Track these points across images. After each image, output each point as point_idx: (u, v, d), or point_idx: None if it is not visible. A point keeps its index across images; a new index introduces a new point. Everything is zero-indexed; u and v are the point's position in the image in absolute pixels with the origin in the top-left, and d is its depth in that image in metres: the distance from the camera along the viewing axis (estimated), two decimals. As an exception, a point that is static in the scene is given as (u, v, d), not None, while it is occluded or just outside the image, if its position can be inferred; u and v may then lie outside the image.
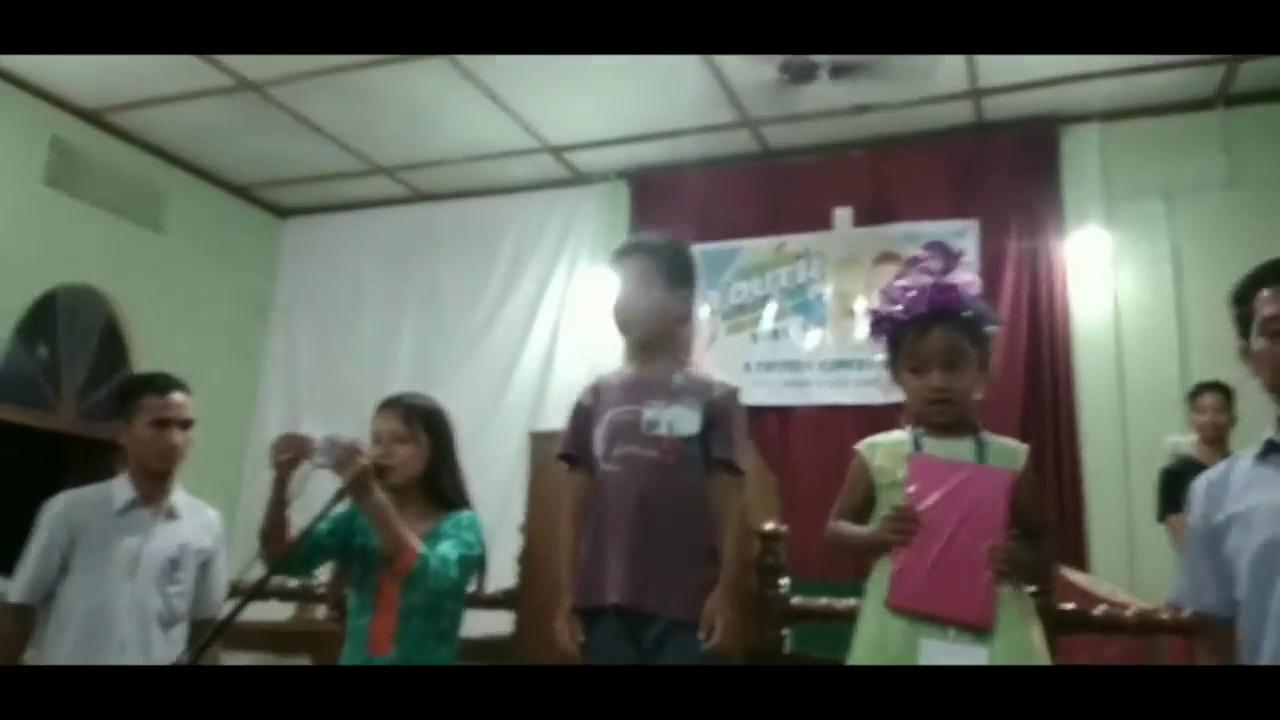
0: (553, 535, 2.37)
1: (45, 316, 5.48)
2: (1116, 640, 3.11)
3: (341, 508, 2.25)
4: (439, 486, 2.35)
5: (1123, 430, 5.05)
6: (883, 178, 5.72)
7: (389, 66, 5.11)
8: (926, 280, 2.02)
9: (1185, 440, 4.54)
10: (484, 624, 3.25)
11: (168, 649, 2.55)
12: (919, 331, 2.00)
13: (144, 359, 5.72)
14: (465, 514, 2.34)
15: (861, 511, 2.03)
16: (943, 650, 1.79)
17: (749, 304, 5.88)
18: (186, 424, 2.68)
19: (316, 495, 2.17)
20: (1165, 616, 2.59)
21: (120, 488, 2.64)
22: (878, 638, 1.88)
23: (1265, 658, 1.58)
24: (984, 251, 5.41)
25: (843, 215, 5.73)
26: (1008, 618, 1.83)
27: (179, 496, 2.71)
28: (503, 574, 3.37)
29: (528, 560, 3.31)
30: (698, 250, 5.74)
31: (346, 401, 5.45)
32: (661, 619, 2.09)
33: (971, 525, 1.85)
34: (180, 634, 2.61)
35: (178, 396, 2.68)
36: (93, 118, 5.74)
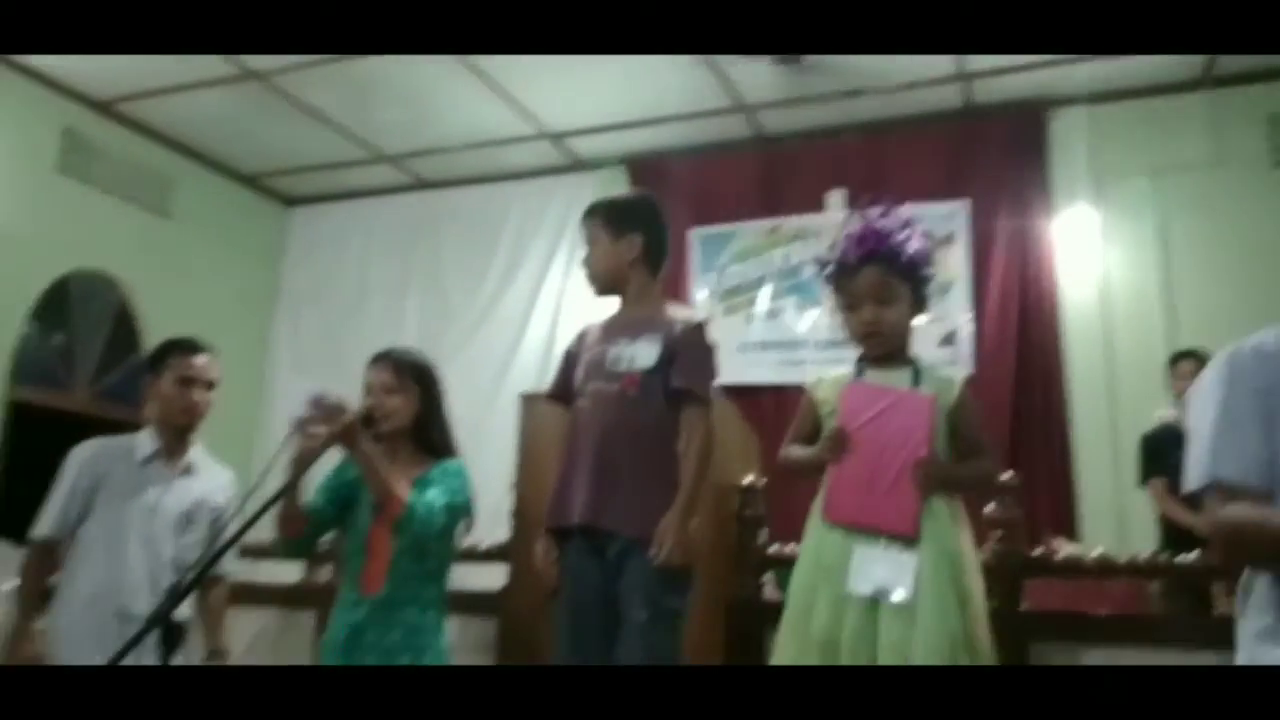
0: (544, 492, 2.49)
1: (59, 302, 5.64)
2: (1109, 589, 3.19)
3: (323, 478, 2.41)
4: (428, 435, 2.48)
5: (1111, 405, 5.14)
6: (875, 161, 5.78)
7: (391, 55, 5.23)
8: (861, 227, 2.18)
9: (1171, 412, 4.63)
10: (481, 578, 3.39)
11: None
12: (851, 272, 2.18)
13: (155, 342, 5.84)
14: (453, 462, 2.46)
15: (810, 440, 2.19)
16: (874, 556, 1.92)
17: (745, 286, 6.00)
18: (210, 384, 2.84)
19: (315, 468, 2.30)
20: (1122, 562, 2.70)
21: (144, 439, 2.81)
22: (815, 550, 2.03)
23: None
24: (975, 231, 5.52)
25: (836, 198, 5.83)
26: (935, 525, 1.97)
27: (197, 454, 2.87)
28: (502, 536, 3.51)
29: (520, 516, 3.43)
30: (695, 234, 5.99)
31: (352, 385, 5.59)
32: (621, 537, 2.23)
33: (897, 444, 2.00)
34: (188, 583, 2.75)
35: (202, 358, 2.85)
36: (103, 108, 5.89)
